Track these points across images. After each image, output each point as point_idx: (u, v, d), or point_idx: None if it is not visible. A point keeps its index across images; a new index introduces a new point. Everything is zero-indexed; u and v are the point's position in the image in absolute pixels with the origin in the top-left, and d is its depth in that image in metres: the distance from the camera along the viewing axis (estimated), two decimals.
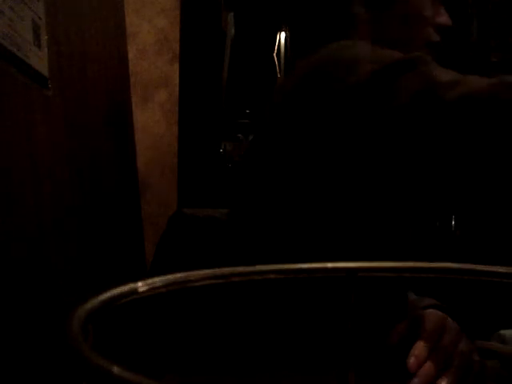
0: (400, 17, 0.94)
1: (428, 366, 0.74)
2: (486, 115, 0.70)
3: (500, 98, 0.69)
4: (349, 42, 0.91)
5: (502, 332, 0.83)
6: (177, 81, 1.98)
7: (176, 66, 1.98)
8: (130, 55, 1.87)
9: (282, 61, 2.40)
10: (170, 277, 0.31)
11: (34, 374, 0.95)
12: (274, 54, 2.40)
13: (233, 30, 2.39)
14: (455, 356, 0.77)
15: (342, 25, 0.96)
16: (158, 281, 0.30)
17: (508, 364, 0.77)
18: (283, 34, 2.40)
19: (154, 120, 1.96)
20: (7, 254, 0.90)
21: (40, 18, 1.05)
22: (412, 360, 0.74)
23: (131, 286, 0.29)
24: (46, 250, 1.04)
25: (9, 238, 0.91)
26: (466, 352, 0.78)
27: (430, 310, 0.86)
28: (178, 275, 0.31)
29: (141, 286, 0.29)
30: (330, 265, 0.37)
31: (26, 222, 0.98)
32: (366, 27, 0.95)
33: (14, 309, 0.90)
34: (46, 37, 1.07)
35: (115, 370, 0.19)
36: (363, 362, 0.45)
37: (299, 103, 0.85)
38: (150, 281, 0.30)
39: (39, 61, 1.04)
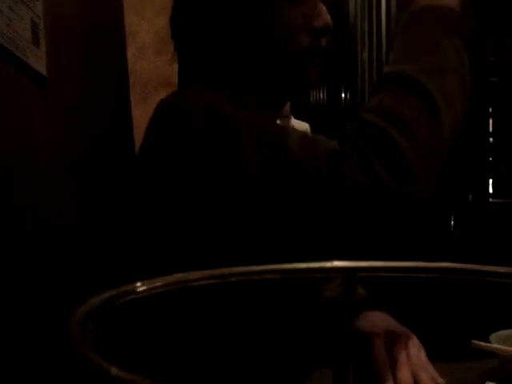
0: (269, 31, 0.90)
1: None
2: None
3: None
4: (197, 91, 0.89)
5: (502, 332, 0.83)
6: (176, 80, 1.97)
7: (175, 66, 1.98)
8: (129, 55, 1.87)
9: None
10: (170, 277, 0.31)
11: (34, 374, 0.95)
12: None
13: None
14: (419, 367, 0.77)
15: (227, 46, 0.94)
16: (157, 281, 0.30)
17: (508, 364, 0.77)
18: None
19: None
20: (7, 254, 0.90)
21: (39, 17, 1.05)
22: None
23: (131, 285, 0.29)
24: (46, 250, 1.04)
25: (8, 238, 0.91)
26: (417, 354, 0.79)
27: (367, 327, 0.85)
28: (178, 275, 0.31)
29: (140, 285, 0.29)
30: (328, 264, 0.37)
31: (25, 221, 0.98)
32: (243, 49, 0.92)
33: (13, 308, 0.90)
34: (45, 36, 1.07)
35: (114, 370, 0.19)
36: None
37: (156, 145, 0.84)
38: (149, 281, 0.30)
39: (38, 60, 1.04)
